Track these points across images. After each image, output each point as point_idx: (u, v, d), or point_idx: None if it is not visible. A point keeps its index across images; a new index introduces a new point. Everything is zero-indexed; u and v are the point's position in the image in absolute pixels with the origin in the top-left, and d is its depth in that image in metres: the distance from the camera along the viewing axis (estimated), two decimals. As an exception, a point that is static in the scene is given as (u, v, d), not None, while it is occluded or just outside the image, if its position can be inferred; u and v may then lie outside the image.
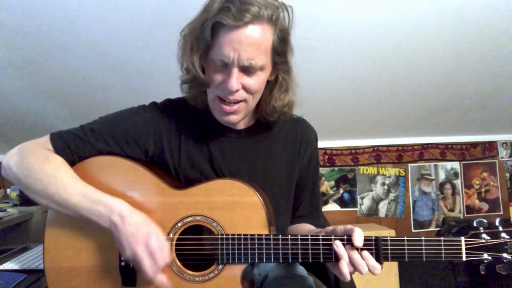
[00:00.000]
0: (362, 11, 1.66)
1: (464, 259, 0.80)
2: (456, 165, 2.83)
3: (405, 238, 0.80)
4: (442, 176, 2.82)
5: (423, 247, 0.80)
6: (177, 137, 0.96)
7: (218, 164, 0.96)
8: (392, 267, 2.36)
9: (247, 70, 0.84)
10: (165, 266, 0.84)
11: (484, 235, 0.81)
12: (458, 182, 2.83)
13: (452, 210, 2.82)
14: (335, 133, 2.66)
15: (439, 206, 2.82)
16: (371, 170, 2.78)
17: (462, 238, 0.80)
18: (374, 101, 2.31)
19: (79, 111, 2.15)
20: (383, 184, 2.78)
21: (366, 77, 2.08)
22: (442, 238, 0.81)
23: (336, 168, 2.76)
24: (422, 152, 2.81)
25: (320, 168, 2.74)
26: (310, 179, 1.07)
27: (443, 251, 0.80)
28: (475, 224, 0.82)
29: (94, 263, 0.89)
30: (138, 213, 0.83)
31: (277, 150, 1.01)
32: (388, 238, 0.81)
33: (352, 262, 0.78)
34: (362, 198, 2.77)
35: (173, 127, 0.96)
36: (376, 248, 0.80)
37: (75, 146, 0.91)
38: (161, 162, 0.96)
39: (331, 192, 2.75)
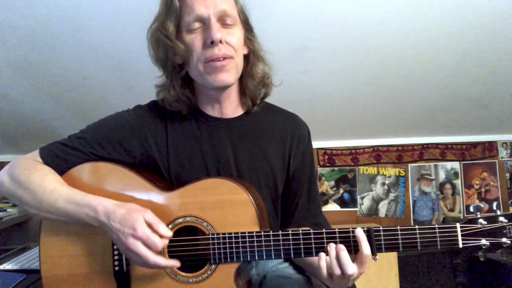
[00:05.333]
0: (362, 11, 1.66)
1: (460, 245, 0.77)
2: (456, 165, 2.83)
3: (398, 227, 0.79)
4: (442, 176, 2.82)
5: (417, 236, 0.78)
6: (163, 135, 0.96)
7: (207, 155, 0.96)
8: (392, 267, 2.35)
9: (223, 21, 0.87)
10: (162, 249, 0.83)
11: (481, 220, 0.78)
12: (458, 182, 2.83)
13: (452, 210, 2.82)
14: (335, 133, 2.65)
15: (439, 206, 2.81)
16: (371, 170, 2.78)
17: (458, 224, 0.78)
18: (374, 101, 2.30)
19: (79, 111, 2.15)
20: (383, 184, 2.78)
21: (366, 77, 2.07)
22: (436, 225, 0.78)
23: (336, 168, 2.76)
24: (422, 152, 2.80)
25: (320, 168, 2.74)
26: (306, 176, 1.05)
27: (438, 239, 0.78)
28: (471, 210, 0.80)
29: (89, 269, 0.90)
30: (123, 206, 0.83)
31: (265, 142, 1.00)
32: (381, 228, 0.80)
33: (338, 257, 0.77)
34: (362, 198, 2.77)
35: (158, 127, 0.97)
36: (369, 239, 0.79)
37: (62, 155, 0.92)
38: (151, 163, 0.96)
39: (331, 192, 2.75)
